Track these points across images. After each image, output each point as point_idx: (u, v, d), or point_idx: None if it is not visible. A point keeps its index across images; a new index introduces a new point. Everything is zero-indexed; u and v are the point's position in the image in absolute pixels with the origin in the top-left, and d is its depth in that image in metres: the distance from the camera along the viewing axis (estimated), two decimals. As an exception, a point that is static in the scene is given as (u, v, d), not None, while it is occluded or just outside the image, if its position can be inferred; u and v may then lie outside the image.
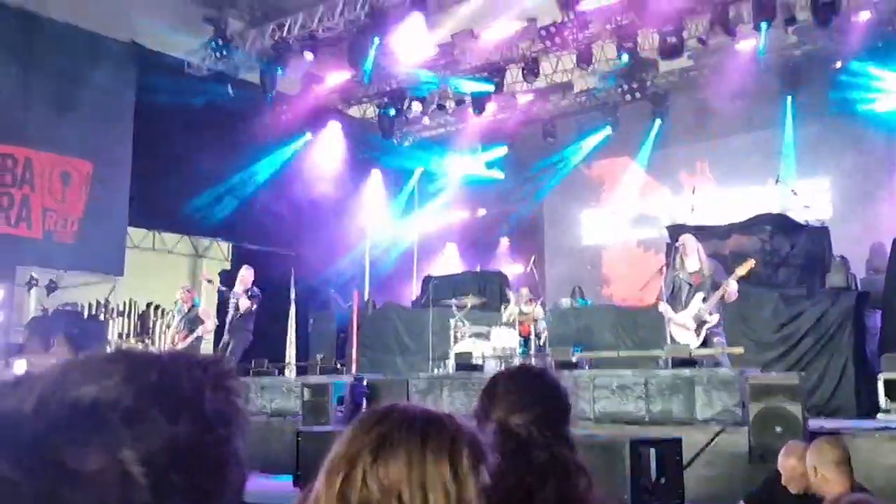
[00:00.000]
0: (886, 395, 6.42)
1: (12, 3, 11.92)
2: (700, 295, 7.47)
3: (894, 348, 7.40)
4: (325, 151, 15.01)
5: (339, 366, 10.93)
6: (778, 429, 5.85)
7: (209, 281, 12.12)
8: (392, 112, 14.36)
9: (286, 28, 12.67)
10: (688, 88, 13.53)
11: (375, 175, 16.14)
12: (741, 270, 7.41)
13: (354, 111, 15.77)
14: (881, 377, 6.49)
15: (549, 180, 16.07)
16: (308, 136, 14.88)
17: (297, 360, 13.98)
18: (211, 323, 11.56)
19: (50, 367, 0.71)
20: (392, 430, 1.11)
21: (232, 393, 0.76)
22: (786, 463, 4.06)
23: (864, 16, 11.19)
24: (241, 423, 0.75)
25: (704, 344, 7.34)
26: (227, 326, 10.39)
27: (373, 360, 12.31)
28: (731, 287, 7.35)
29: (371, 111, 15.68)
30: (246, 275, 10.51)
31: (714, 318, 7.37)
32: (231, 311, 10.39)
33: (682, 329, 7.52)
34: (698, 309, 7.46)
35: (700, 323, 7.42)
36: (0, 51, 11.92)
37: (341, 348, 13.11)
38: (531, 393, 1.88)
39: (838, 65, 12.10)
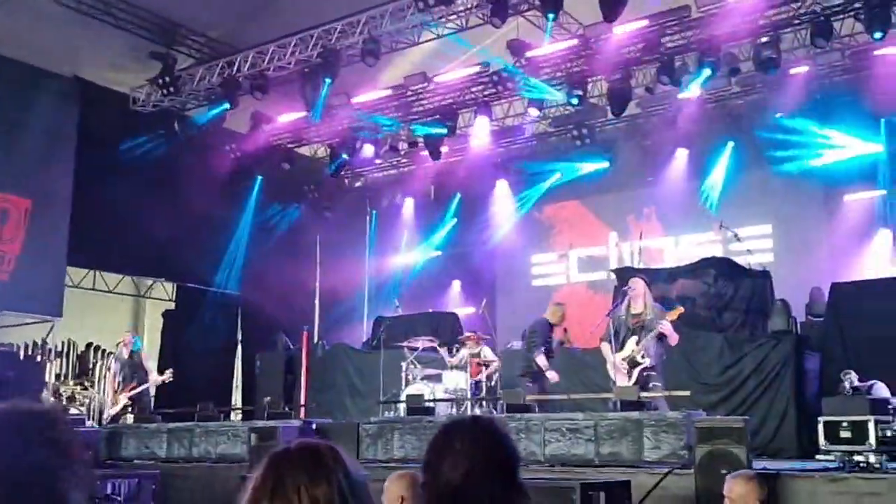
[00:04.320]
0: (826, 437, 6.72)
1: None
2: (635, 338, 7.82)
3: (833, 391, 7.78)
4: (274, 191, 15.09)
5: (287, 409, 10.90)
6: (723, 471, 6.10)
7: None
8: (343, 153, 14.53)
9: (236, 66, 12.82)
10: (636, 135, 14.07)
11: (326, 215, 16.26)
12: (671, 316, 7.79)
13: (305, 151, 15.92)
14: (821, 420, 6.81)
15: (500, 223, 16.40)
16: (257, 175, 14.95)
17: (244, 403, 13.88)
18: (157, 374, 11.45)
19: None
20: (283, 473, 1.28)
21: (58, 445, 0.77)
22: (733, 490, 4.34)
23: (803, 69, 11.88)
24: (70, 472, 0.75)
25: (640, 387, 7.63)
26: None
27: (322, 402, 12.27)
28: (666, 328, 7.69)
29: (322, 151, 15.85)
30: None
31: (647, 361, 7.68)
32: None
33: (617, 371, 7.84)
34: (631, 350, 7.79)
35: (632, 364, 7.74)
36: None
37: (289, 391, 13.05)
38: (481, 446, 1.94)
39: (778, 115, 12.76)
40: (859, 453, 6.29)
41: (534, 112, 13.12)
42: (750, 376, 9.15)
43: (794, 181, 13.05)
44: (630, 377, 7.80)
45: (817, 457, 6.68)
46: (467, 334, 11.29)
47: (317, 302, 15.73)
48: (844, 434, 6.50)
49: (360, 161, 15.63)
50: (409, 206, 16.89)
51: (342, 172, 15.72)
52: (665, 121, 13.60)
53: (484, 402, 10.21)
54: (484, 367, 10.58)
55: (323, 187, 15.81)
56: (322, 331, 15.26)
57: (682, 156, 13.83)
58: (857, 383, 7.50)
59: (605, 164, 14.60)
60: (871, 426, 6.39)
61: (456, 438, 1.96)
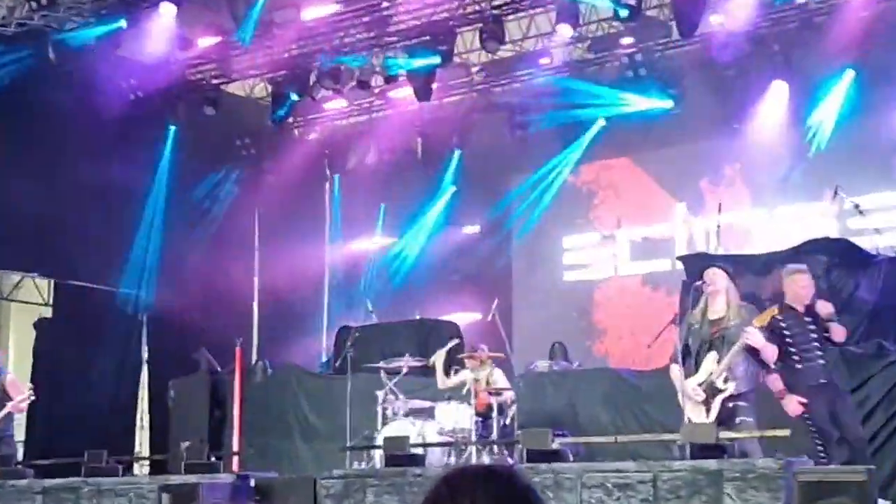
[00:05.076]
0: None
1: None
2: (714, 354, 7.78)
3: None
4: (194, 148, 15.02)
5: (213, 459, 10.91)
6: (839, 542, 6.12)
7: None
8: (292, 91, 14.48)
9: (136, -32, 12.78)
10: (712, 63, 13.98)
11: (269, 182, 16.24)
12: (762, 319, 7.73)
13: (237, 88, 15.89)
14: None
15: (518, 191, 16.35)
16: (168, 124, 14.87)
17: (152, 450, 13.86)
18: (22, 397, 11.47)
19: None
20: None
21: None
22: None
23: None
24: None
25: (722, 423, 7.60)
26: None
27: (263, 448, 12.35)
28: (754, 338, 7.63)
29: (261, 89, 15.79)
30: None
31: (732, 386, 7.65)
32: None
33: (691, 401, 7.80)
34: (709, 372, 7.74)
35: (712, 392, 7.70)
36: None
37: (216, 432, 13.08)
38: None
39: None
40: None
41: (565, 31, 13.02)
42: (878, 406, 9.14)
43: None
44: (709, 410, 7.76)
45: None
46: (471, 352, 11.24)
47: (255, 305, 15.76)
48: None
49: (315, 103, 15.54)
50: (386, 167, 16.82)
51: (290, 120, 15.63)
52: (756, 41, 13.52)
53: (495, 448, 10.22)
54: (494, 398, 10.59)
55: (263, 141, 15.78)
56: (263, 346, 15.32)
57: (780, 91, 13.76)
58: None
59: (669, 104, 14.54)
60: None
61: (465, 497, 1.96)
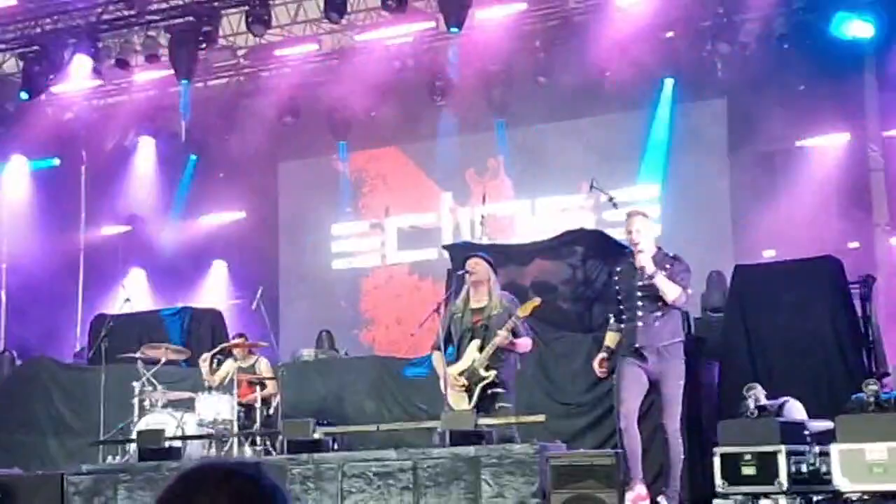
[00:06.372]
0: (723, 475, 7.08)
1: None
2: (476, 342, 7.97)
3: (734, 412, 8.20)
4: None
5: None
6: (588, 525, 6.33)
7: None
8: (45, 68, 13.91)
9: None
10: (478, 57, 14.24)
11: (17, 162, 15.66)
12: (524, 311, 7.97)
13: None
14: (717, 451, 7.17)
15: (285, 178, 16.21)
16: None
17: None
18: None
19: None
20: None
21: None
22: None
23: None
24: None
25: (483, 409, 7.81)
26: None
27: (10, 445, 11.90)
28: (502, 340, 7.85)
29: (12, 64, 15.12)
30: None
31: (492, 374, 7.85)
32: None
33: (452, 389, 7.97)
34: (471, 360, 7.92)
35: (474, 380, 7.87)
36: None
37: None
38: None
39: (670, 34, 13.33)
40: (766, 496, 6.66)
41: (333, 19, 13.01)
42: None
43: (691, 122, 13.70)
44: (470, 398, 7.93)
45: (714, 502, 7.03)
46: (234, 339, 11.20)
47: (3, 294, 15.03)
48: (747, 470, 6.89)
49: (71, 82, 14.95)
50: (148, 150, 16.39)
51: (43, 98, 14.97)
52: (520, 37, 13.83)
53: (257, 439, 10.13)
54: (258, 388, 10.48)
55: (11, 120, 15.19)
56: (9, 337, 14.73)
57: (543, 83, 14.15)
58: (763, 401, 7.92)
59: (435, 96, 14.71)
60: (781, 459, 6.79)
61: (203, 496, 1.93)
